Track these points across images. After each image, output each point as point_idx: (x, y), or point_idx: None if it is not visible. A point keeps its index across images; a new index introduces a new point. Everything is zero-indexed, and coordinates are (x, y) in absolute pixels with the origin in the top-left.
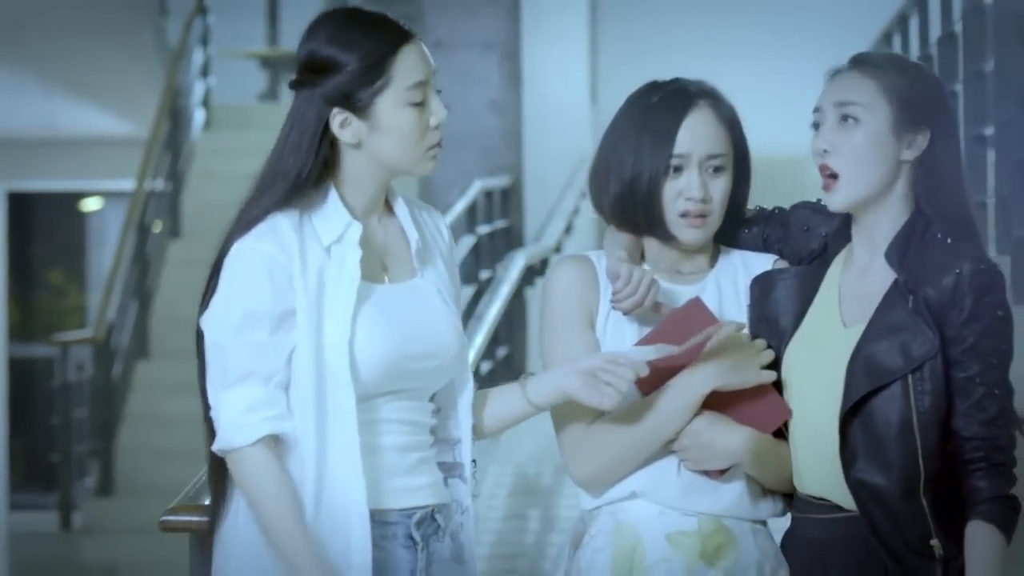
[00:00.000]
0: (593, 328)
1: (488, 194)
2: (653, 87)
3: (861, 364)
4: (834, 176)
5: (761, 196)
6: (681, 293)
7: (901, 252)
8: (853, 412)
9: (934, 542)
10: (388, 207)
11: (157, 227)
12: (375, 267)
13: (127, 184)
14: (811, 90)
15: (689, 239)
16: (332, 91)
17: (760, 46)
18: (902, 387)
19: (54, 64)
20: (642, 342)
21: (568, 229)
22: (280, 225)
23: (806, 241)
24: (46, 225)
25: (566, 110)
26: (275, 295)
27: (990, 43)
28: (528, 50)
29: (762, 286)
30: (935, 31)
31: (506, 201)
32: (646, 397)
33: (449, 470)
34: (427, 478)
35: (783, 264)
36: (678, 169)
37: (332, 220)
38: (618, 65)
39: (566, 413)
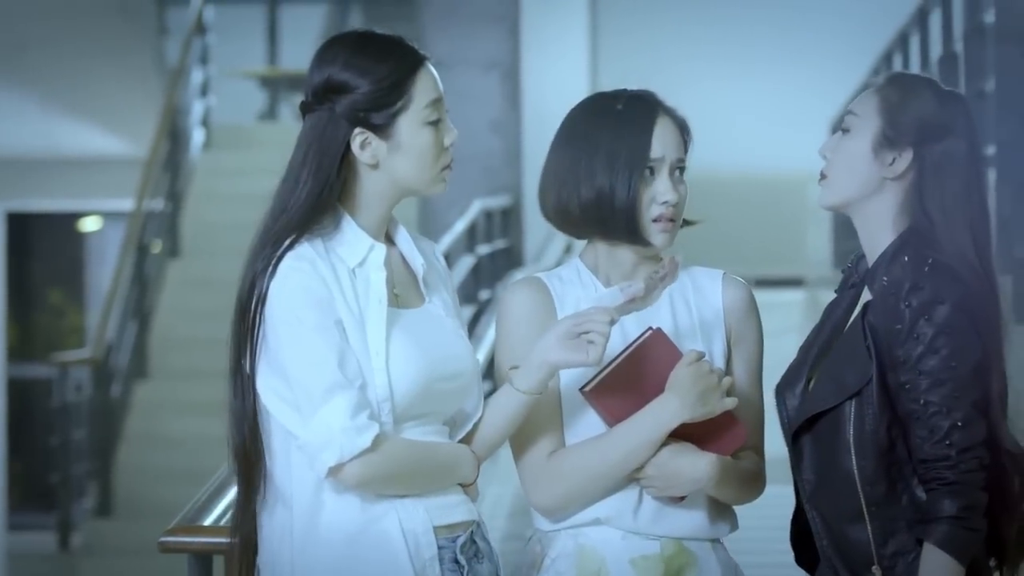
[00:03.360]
0: None
1: (488, 214)
2: (609, 96)
3: (812, 387)
4: (823, 177)
5: (762, 215)
6: (636, 314)
7: (877, 274)
8: (807, 433)
9: (875, 568)
10: (387, 237)
11: (156, 247)
12: (389, 293)
13: (126, 204)
14: (810, 109)
15: (661, 243)
16: (353, 111)
17: (760, 63)
18: (840, 413)
19: (53, 84)
20: (600, 375)
21: (568, 249)
22: (308, 254)
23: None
24: (45, 245)
25: None
26: (331, 306)
27: (991, 62)
28: (528, 69)
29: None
30: (936, 50)
31: (506, 221)
32: (612, 429)
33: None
34: (458, 495)
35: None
36: (651, 173)
37: (354, 244)
38: (618, 84)
39: (524, 441)
